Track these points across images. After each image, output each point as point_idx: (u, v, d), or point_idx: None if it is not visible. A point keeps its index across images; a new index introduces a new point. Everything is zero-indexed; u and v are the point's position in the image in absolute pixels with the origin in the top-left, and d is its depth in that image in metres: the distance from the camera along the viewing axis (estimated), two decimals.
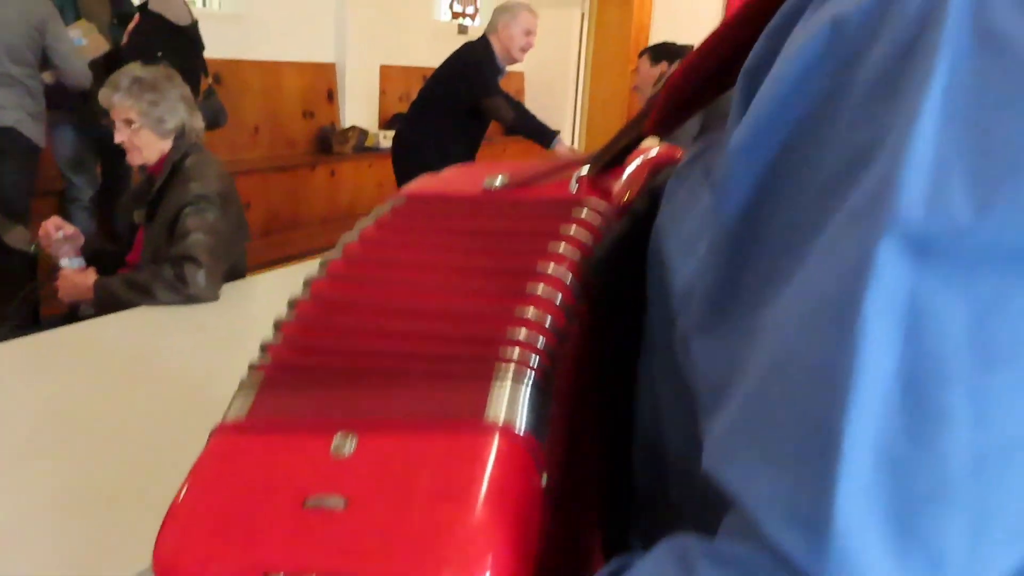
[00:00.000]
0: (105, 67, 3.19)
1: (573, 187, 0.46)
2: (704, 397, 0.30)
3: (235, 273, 1.82)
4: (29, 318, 2.13)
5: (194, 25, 3.31)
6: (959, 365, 0.21)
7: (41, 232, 1.74)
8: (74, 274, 1.68)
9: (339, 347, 0.38)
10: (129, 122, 1.72)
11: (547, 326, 0.36)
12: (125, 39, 3.20)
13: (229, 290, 1.71)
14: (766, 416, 0.24)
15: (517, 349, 0.34)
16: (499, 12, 3.11)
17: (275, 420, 0.35)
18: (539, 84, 7.63)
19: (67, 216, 3.59)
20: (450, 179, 0.53)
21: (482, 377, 0.33)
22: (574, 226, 0.41)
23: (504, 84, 7.75)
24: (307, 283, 0.41)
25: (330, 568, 0.29)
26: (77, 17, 3.29)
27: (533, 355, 0.34)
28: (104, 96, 1.75)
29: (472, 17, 6.90)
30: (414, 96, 5.89)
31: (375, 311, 0.39)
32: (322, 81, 5.52)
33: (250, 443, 0.34)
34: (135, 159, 1.79)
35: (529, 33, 3.09)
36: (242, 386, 0.38)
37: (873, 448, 0.21)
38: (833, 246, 0.24)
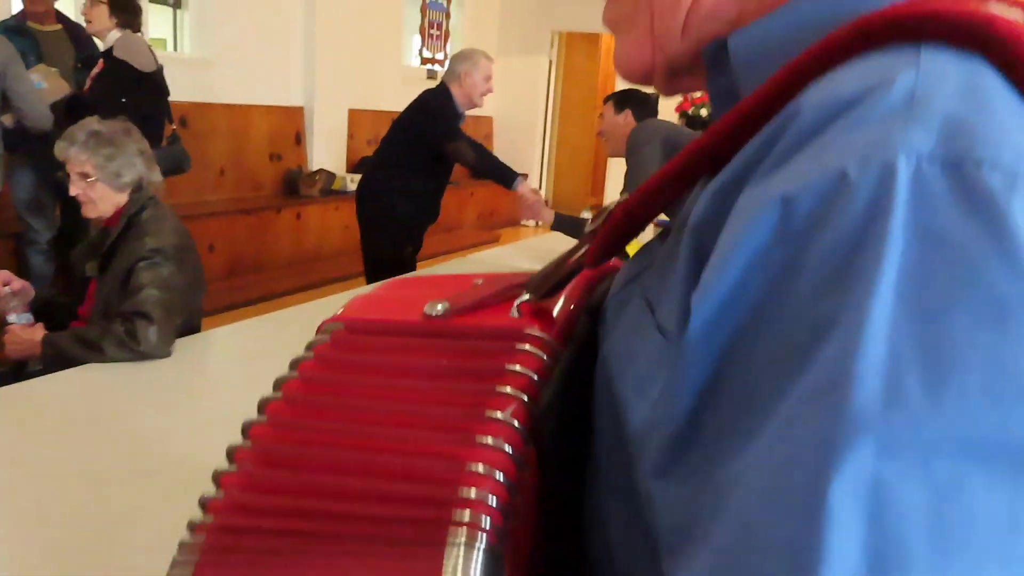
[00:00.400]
0: (67, 111, 3.17)
1: (515, 312, 0.46)
2: (663, 537, 0.31)
3: (189, 328, 1.80)
4: None
5: (159, 71, 3.31)
6: (920, 549, 0.23)
7: None
8: (22, 330, 1.65)
9: (282, 508, 0.37)
10: (85, 175, 1.71)
11: (499, 480, 0.35)
12: (88, 84, 3.19)
13: (182, 346, 1.69)
14: None
15: (468, 511, 0.34)
16: (458, 60, 3.18)
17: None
18: (508, 128, 7.73)
19: (24, 259, 3.52)
20: (388, 302, 0.52)
21: (434, 543, 0.33)
22: (518, 365, 0.40)
23: (473, 127, 7.82)
24: (245, 428, 0.41)
25: None
26: (40, 60, 3.28)
27: (485, 515, 0.34)
28: (60, 149, 1.73)
29: (442, 63, 6.99)
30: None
31: (319, 467, 0.38)
32: (290, 124, 5.54)
33: None
34: (89, 212, 1.78)
35: (488, 79, 3.20)
36: (175, 564, 0.36)
37: None
38: (793, 423, 0.26)
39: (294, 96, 5.56)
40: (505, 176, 3.30)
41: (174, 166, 3.34)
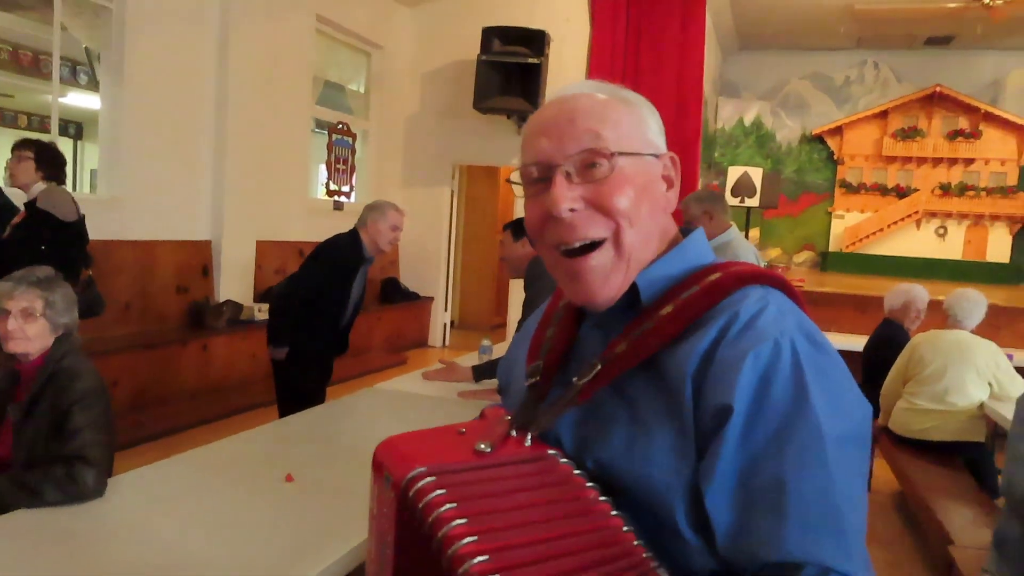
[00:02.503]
0: None
1: (528, 442, 0.79)
2: (723, 532, 0.70)
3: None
4: None
5: (81, 220, 3.43)
6: (842, 477, 0.72)
7: None
8: None
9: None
10: (28, 313, 1.85)
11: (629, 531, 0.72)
12: (8, 231, 3.28)
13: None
14: (847, 528, 0.69)
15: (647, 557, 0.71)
16: (369, 210, 3.43)
17: None
18: (413, 254, 8.04)
19: None
20: (426, 450, 0.75)
21: (637, 558, 0.70)
22: (576, 471, 0.77)
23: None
24: (447, 534, 0.65)
25: None
26: None
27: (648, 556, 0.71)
28: (5, 287, 1.87)
29: (348, 195, 7.32)
30: (289, 270, 6.12)
31: (551, 554, 0.66)
32: (197, 257, 5.65)
33: None
34: (17, 347, 1.88)
35: (395, 228, 3.42)
36: None
37: (856, 531, 0.70)
38: (800, 444, 0.70)
39: (202, 230, 5.71)
40: (275, 338, 3.47)
41: (86, 310, 3.41)
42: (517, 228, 3.25)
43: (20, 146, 3.39)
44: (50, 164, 3.37)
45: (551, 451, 0.78)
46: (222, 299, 5.65)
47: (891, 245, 10.54)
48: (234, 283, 5.85)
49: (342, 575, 1.60)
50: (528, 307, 3.10)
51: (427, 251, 8.05)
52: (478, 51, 6.90)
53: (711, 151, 9.95)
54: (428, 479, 0.69)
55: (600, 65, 7.36)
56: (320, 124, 7.26)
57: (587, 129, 0.82)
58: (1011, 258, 9.78)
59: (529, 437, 0.79)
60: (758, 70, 10.00)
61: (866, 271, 9.90)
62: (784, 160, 10.64)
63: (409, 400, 2.92)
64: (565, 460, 0.77)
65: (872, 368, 4.18)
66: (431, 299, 8.08)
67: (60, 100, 8.91)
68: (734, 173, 6.62)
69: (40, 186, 3.33)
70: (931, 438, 3.65)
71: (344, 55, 7.43)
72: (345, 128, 7.24)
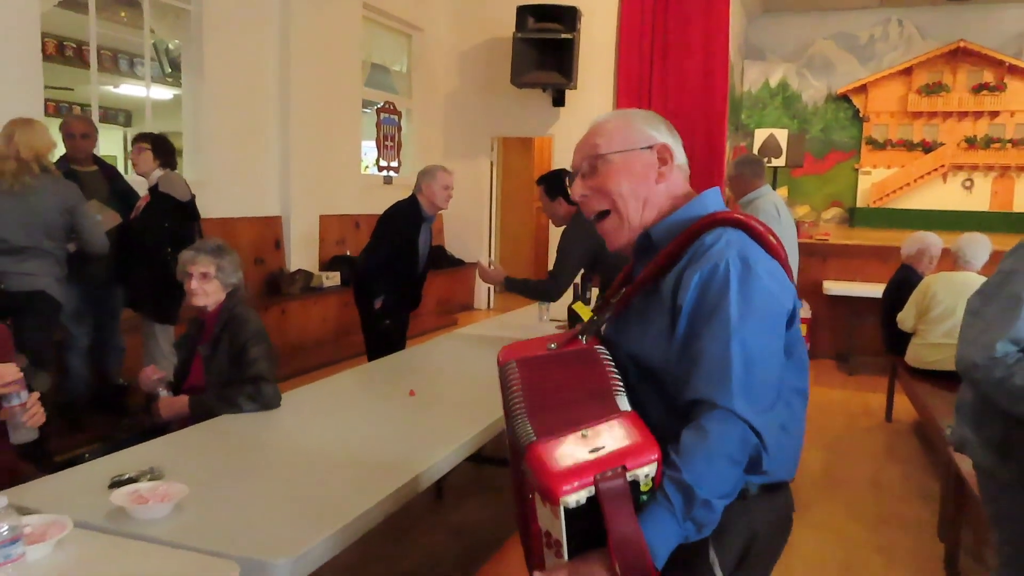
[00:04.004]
0: (118, 235, 3.81)
1: (583, 340, 1.26)
2: (680, 384, 1.16)
3: None
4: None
5: (192, 200, 4.00)
6: (756, 356, 1.17)
7: (142, 375, 2.40)
8: (171, 399, 2.31)
9: (555, 396, 1.15)
10: (206, 275, 2.40)
11: (614, 370, 1.20)
12: (135, 213, 3.85)
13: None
14: (732, 378, 1.11)
15: (615, 388, 1.16)
16: (421, 175, 3.97)
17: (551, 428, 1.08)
18: (457, 223, 8.56)
19: (64, 360, 4.06)
20: (522, 350, 1.26)
21: (611, 394, 1.16)
22: (605, 358, 1.23)
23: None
24: (511, 379, 1.17)
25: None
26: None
27: (618, 383, 1.18)
28: (188, 256, 2.43)
29: (396, 170, 7.83)
30: (348, 239, 6.64)
31: (567, 389, 1.17)
32: (270, 232, 6.23)
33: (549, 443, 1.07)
34: (199, 301, 2.45)
35: (447, 187, 3.94)
36: (519, 416, 1.12)
37: (741, 383, 1.11)
38: (715, 329, 1.14)
39: (272, 207, 6.28)
40: (369, 292, 4.04)
41: None
42: (549, 186, 3.61)
43: (139, 139, 3.94)
44: (165, 152, 3.92)
45: (597, 347, 1.26)
46: (293, 269, 6.23)
47: (918, 199, 10.78)
48: (302, 254, 6.43)
49: (457, 461, 2.13)
50: (558, 264, 3.46)
51: (470, 220, 8.56)
52: (513, 29, 7.32)
53: (738, 114, 10.26)
54: (513, 364, 1.23)
55: (629, 36, 7.75)
56: (366, 104, 7.75)
57: (590, 143, 1.30)
58: None
59: (585, 339, 1.29)
60: (782, 32, 10.26)
61: (894, 225, 10.16)
62: (810, 120, 10.90)
63: (486, 341, 3.46)
64: (601, 350, 1.24)
65: (891, 308, 4.62)
66: (475, 264, 8.59)
67: (110, 90, 9.54)
68: (760, 135, 6.99)
69: (158, 172, 3.88)
70: (942, 368, 4.10)
71: (388, 38, 7.90)
72: (391, 107, 7.74)
